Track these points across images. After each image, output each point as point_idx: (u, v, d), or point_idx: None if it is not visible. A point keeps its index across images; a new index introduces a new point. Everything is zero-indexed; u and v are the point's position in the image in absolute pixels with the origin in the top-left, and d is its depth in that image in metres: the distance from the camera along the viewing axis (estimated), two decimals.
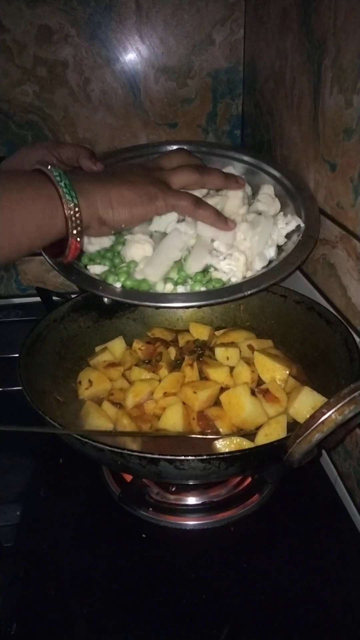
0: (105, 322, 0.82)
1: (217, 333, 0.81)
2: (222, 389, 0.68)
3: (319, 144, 0.68)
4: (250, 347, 0.74)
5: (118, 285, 0.60)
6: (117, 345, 0.78)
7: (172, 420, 0.64)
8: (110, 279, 0.60)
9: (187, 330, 0.82)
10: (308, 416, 0.47)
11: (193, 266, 0.61)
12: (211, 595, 0.58)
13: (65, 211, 0.50)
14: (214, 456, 0.50)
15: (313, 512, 0.68)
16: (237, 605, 0.57)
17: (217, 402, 0.67)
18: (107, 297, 0.61)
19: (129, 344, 0.80)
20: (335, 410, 0.44)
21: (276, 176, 0.75)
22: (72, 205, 0.50)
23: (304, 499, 0.70)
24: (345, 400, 0.44)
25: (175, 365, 0.74)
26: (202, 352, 0.75)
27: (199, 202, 0.60)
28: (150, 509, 0.66)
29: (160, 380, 0.70)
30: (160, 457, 0.50)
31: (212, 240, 0.63)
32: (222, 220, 0.61)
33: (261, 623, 0.56)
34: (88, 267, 0.63)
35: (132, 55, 0.94)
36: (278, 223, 0.65)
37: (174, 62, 0.95)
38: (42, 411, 0.56)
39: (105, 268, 0.62)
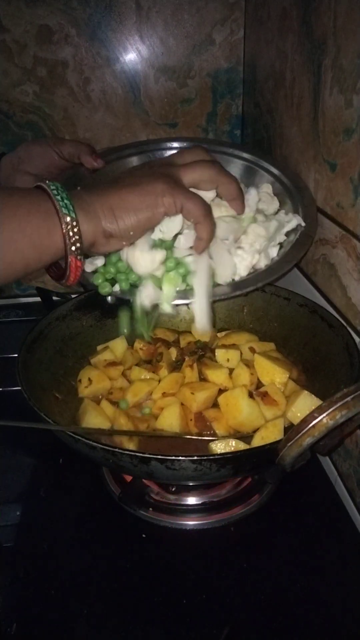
0: (108, 321, 0.82)
1: (219, 335, 0.81)
2: (221, 391, 0.68)
3: (319, 144, 0.68)
4: (252, 350, 0.74)
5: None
6: (118, 345, 0.78)
7: (170, 421, 0.64)
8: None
9: (189, 332, 0.82)
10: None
11: (224, 276, 0.59)
12: (211, 595, 0.58)
13: (62, 226, 0.46)
14: (205, 457, 0.50)
15: (313, 512, 0.68)
16: (237, 605, 0.57)
17: (215, 404, 0.67)
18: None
19: (131, 344, 0.80)
20: (326, 415, 0.44)
21: (275, 174, 0.75)
22: (69, 219, 0.46)
23: (304, 499, 0.70)
24: (337, 405, 0.44)
25: (176, 366, 0.74)
26: (203, 354, 0.75)
27: (208, 214, 0.53)
28: (150, 509, 0.66)
29: (160, 381, 0.70)
30: (151, 456, 0.50)
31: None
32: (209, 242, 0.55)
33: (261, 623, 0.56)
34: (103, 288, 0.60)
35: (132, 55, 0.94)
36: (284, 224, 0.64)
37: (174, 62, 0.95)
38: (37, 407, 0.56)
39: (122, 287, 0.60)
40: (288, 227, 0.64)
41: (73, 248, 0.47)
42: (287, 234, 0.65)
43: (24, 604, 0.58)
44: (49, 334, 0.72)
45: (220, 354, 0.73)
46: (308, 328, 0.73)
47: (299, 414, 0.62)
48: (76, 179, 0.76)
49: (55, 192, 0.46)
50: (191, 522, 0.66)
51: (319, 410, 0.45)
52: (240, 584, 0.59)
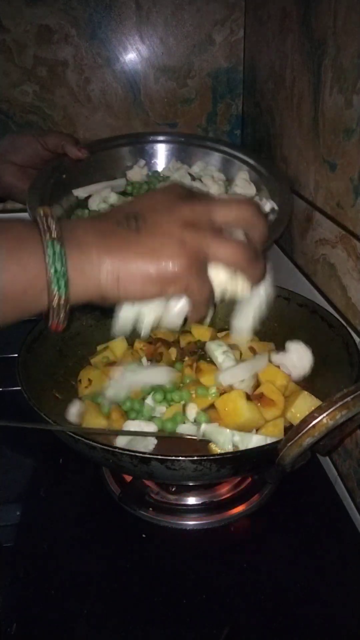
0: (108, 321, 0.80)
1: (219, 335, 0.81)
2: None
3: (319, 144, 0.68)
4: (252, 350, 0.74)
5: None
6: (118, 345, 0.78)
7: None
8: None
9: (189, 332, 0.82)
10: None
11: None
12: (211, 595, 0.58)
13: (50, 301, 0.39)
14: (205, 457, 0.50)
15: (313, 512, 0.68)
16: (237, 605, 0.57)
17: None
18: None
19: (131, 344, 0.80)
20: (326, 415, 0.44)
21: (251, 164, 0.82)
22: (57, 297, 0.39)
23: (304, 499, 0.70)
24: (337, 405, 0.44)
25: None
26: (203, 354, 0.74)
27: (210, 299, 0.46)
28: (150, 509, 0.66)
29: None
30: (151, 456, 0.50)
31: None
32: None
33: (261, 623, 0.56)
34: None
35: (132, 55, 0.94)
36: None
37: (174, 62, 0.95)
38: (37, 407, 0.56)
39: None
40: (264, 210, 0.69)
41: (55, 321, 0.41)
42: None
43: (24, 604, 0.58)
44: (49, 334, 0.72)
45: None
46: (308, 328, 0.73)
47: (298, 415, 0.62)
48: (61, 169, 0.77)
49: (51, 258, 0.38)
50: (191, 522, 0.65)
51: (319, 410, 0.45)
52: (240, 584, 0.59)
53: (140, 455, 0.50)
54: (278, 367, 0.71)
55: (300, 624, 0.56)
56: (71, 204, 0.78)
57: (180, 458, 0.49)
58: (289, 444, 0.46)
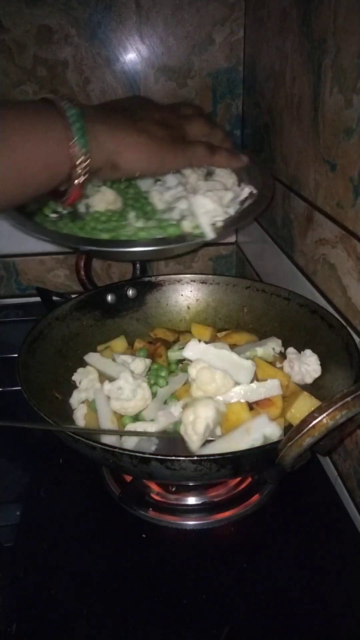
0: (108, 321, 0.82)
1: (219, 335, 0.81)
2: None
3: (319, 144, 0.68)
4: (233, 345, 0.74)
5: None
6: (118, 345, 0.78)
7: None
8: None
9: (189, 332, 0.82)
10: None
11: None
12: (211, 595, 0.58)
13: (74, 159, 0.47)
14: (205, 457, 0.50)
15: (313, 512, 0.68)
16: (237, 605, 0.57)
17: None
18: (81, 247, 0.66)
19: (131, 344, 0.80)
20: (326, 415, 0.44)
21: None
22: (81, 154, 0.47)
23: (304, 499, 0.70)
24: (337, 405, 0.44)
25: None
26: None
27: (212, 148, 0.61)
28: (150, 509, 0.66)
29: None
30: (151, 456, 0.50)
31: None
32: (236, 159, 0.64)
33: (261, 623, 0.56)
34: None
35: (132, 55, 0.94)
36: (239, 194, 0.71)
37: (174, 62, 0.95)
38: (37, 407, 0.56)
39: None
40: (242, 195, 0.70)
41: (76, 182, 0.48)
42: (244, 202, 0.71)
43: (24, 604, 0.58)
44: (49, 334, 0.72)
45: None
46: (308, 328, 0.73)
47: (298, 415, 0.62)
48: None
49: (73, 118, 0.46)
50: (191, 522, 0.66)
51: (319, 410, 0.45)
52: (240, 584, 0.59)
53: (140, 455, 0.50)
54: (281, 365, 0.71)
55: (300, 624, 0.56)
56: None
57: (180, 458, 0.49)
58: (289, 444, 0.46)
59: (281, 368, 0.70)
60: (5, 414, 0.82)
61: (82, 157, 0.47)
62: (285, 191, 0.83)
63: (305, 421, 0.45)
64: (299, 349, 0.71)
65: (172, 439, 0.61)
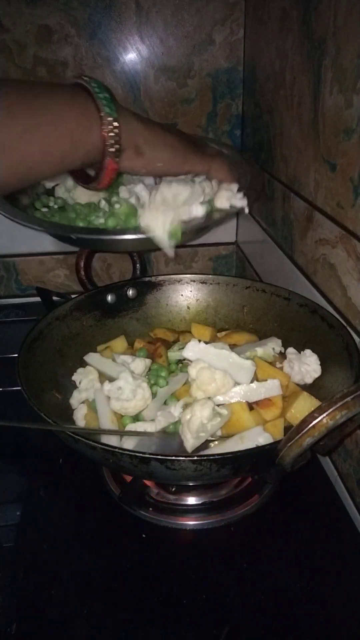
0: (108, 321, 0.82)
1: (219, 335, 0.81)
2: None
3: (319, 144, 0.68)
4: (233, 345, 0.74)
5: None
6: (118, 345, 0.78)
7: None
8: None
9: (189, 332, 0.82)
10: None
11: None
12: (211, 595, 0.58)
13: (103, 125, 0.46)
14: (205, 457, 0.50)
15: (313, 512, 0.68)
16: (237, 605, 0.57)
17: None
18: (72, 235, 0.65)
19: (131, 344, 0.80)
20: (326, 415, 0.44)
21: (217, 149, 0.83)
22: (110, 119, 0.47)
23: (304, 499, 0.70)
24: (337, 405, 0.44)
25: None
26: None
27: (231, 168, 0.63)
28: (150, 509, 0.66)
29: None
30: (151, 456, 0.50)
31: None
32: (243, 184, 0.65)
33: (261, 623, 0.56)
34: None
35: (132, 55, 0.94)
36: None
37: (174, 62, 0.95)
38: (37, 407, 0.56)
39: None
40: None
41: (112, 149, 0.48)
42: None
43: (24, 604, 0.58)
44: (49, 334, 0.72)
45: None
46: (308, 328, 0.73)
47: (298, 415, 0.62)
48: None
49: (97, 89, 0.47)
50: (191, 522, 0.66)
51: (319, 410, 0.45)
52: (240, 584, 0.59)
53: (140, 455, 0.50)
54: (281, 365, 0.71)
55: (300, 624, 0.56)
56: (37, 192, 0.79)
57: (180, 458, 0.49)
58: (289, 444, 0.46)
59: (281, 368, 0.70)
60: (5, 414, 0.82)
61: (112, 124, 0.47)
62: (285, 191, 0.83)
63: (305, 421, 0.45)
64: (299, 349, 0.71)
65: (172, 439, 0.61)
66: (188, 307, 0.86)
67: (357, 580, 0.60)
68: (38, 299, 0.85)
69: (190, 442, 0.58)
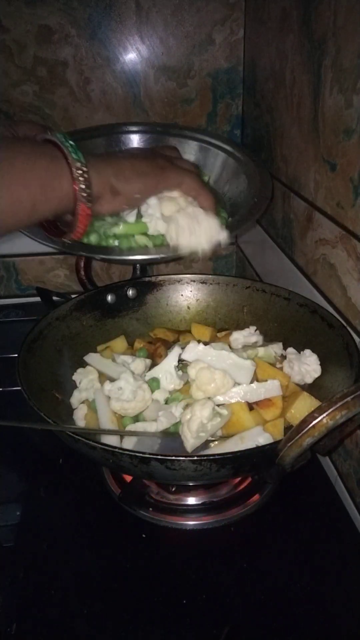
0: (108, 321, 0.82)
1: (219, 335, 0.81)
2: None
3: (319, 144, 0.68)
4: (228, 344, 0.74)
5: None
6: (118, 345, 0.78)
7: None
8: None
9: (189, 332, 0.82)
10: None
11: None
12: (211, 595, 0.58)
13: (72, 169, 0.48)
14: (205, 457, 0.50)
15: (313, 512, 0.68)
16: (237, 605, 0.57)
17: None
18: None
19: (131, 344, 0.80)
20: (326, 415, 0.44)
21: (228, 150, 0.85)
22: (79, 164, 0.48)
23: (304, 499, 0.70)
24: (337, 405, 0.44)
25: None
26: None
27: (204, 187, 0.61)
28: (150, 509, 0.66)
29: None
30: (151, 456, 0.49)
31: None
32: (210, 202, 0.63)
33: (261, 623, 0.56)
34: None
35: (132, 55, 0.94)
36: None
37: (174, 62, 0.95)
38: (37, 407, 0.56)
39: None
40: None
41: (83, 194, 0.49)
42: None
43: (24, 604, 0.58)
44: (49, 334, 0.72)
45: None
46: (308, 328, 0.73)
47: (298, 415, 0.62)
48: None
49: (62, 138, 0.48)
50: (191, 522, 0.66)
51: (319, 410, 0.45)
52: (240, 584, 0.59)
53: (140, 455, 0.50)
54: (281, 365, 0.71)
55: (300, 624, 0.56)
56: None
57: (180, 458, 0.49)
58: (289, 444, 0.46)
59: (281, 368, 0.70)
60: (5, 414, 0.82)
61: (81, 169, 0.48)
62: (285, 191, 0.83)
63: (305, 421, 0.45)
64: (299, 349, 0.71)
65: (173, 439, 0.61)
66: (188, 307, 0.86)
67: (357, 580, 0.60)
68: (38, 299, 0.85)
69: (190, 442, 0.58)
